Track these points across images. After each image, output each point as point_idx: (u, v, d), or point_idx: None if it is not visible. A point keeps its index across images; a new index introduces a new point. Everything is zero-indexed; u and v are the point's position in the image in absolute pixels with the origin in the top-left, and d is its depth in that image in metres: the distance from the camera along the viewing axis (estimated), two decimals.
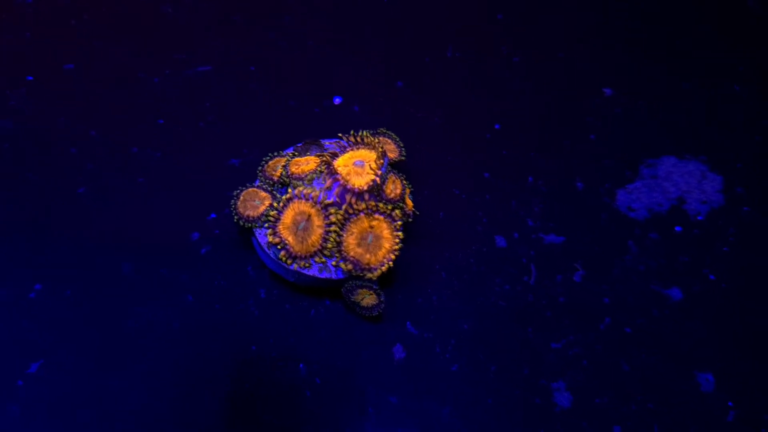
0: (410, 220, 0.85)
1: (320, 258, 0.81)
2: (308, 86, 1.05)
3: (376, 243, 0.80)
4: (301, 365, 0.81)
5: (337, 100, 1.03)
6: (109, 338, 0.82)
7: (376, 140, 0.82)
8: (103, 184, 0.93)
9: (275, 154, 0.90)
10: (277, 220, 0.81)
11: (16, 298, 0.84)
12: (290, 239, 0.80)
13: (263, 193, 0.85)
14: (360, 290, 0.81)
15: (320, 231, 0.80)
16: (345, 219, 0.80)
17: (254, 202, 0.84)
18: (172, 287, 0.86)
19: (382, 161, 0.80)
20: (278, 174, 0.86)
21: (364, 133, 0.85)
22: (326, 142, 0.91)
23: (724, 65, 1.08)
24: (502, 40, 1.10)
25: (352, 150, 0.84)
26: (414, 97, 1.04)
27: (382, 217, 0.81)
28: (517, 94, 1.05)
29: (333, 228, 0.80)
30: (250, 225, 0.83)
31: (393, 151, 0.91)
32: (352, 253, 0.80)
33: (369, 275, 0.80)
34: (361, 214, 0.80)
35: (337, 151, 0.84)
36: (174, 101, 1.02)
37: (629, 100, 1.04)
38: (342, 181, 0.79)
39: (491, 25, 1.12)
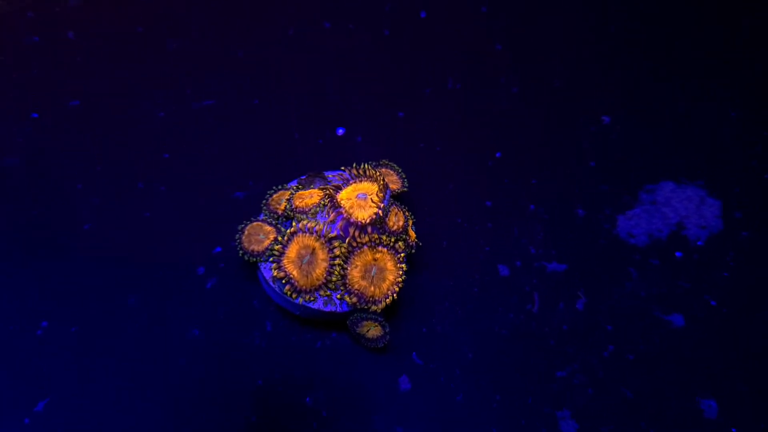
0: (413, 251, 0.85)
1: (325, 291, 0.80)
2: (312, 118, 1.04)
3: (380, 275, 0.80)
4: (307, 398, 0.81)
5: (341, 132, 1.03)
6: (116, 374, 0.81)
7: (378, 173, 0.82)
8: (109, 220, 0.93)
9: (279, 187, 0.90)
10: (282, 254, 0.80)
11: (23, 335, 0.83)
12: (295, 273, 0.80)
13: (268, 227, 0.84)
14: (365, 322, 0.81)
15: (325, 264, 0.80)
16: (349, 252, 0.79)
17: (259, 236, 0.83)
18: (178, 321, 0.85)
19: (383, 194, 0.80)
20: (282, 207, 0.86)
21: (366, 165, 0.84)
22: (329, 175, 0.90)
23: (721, 91, 1.08)
24: (501, 70, 1.10)
25: (354, 183, 0.83)
26: (415, 128, 1.04)
27: (385, 250, 0.80)
28: (516, 123, 1.04)
29: (337, 261, 0.79)
30: (255, 259, 0.82)
31: (395, 183, 0.91)
32: (356, 286, 0.79)
33: (374, 307, 0.80)
34: (365, 247, 0.80)
35: (340, 184, 0.84)
36: (179, 135, 1.01)
37: (627, 126, 1.04)
38: (345, 215, 0.79)
39: (490, 57, 1.11)
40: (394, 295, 0.80)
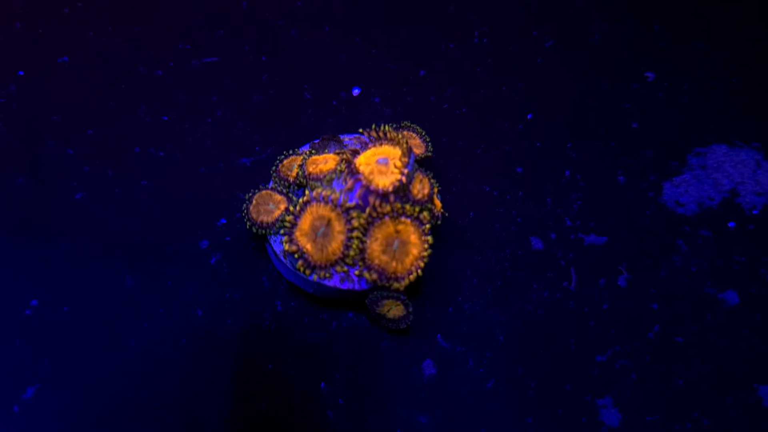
0: (439, 222, 0.81)
1: (342, 267, 0.77)
2: (325, 77, 1.01)
3: (403, 249, 0.76)
4: (322, 384, 0.78)
5: (356, 92, 1.00)
6: (112, 358, 0.79)
7: (400, 135, 0.78)
8: (102, 189, 0.91)
9: (290, 152, 0.87)
10: (294, 225, 0.77)
11: (10, 316, 0.81)
12: (308, 247, 0.76)
13: (278, 196, 0.81)
14: (386, 301, 0.77)
15: (341, 237, 0.76)
16: (368, 223, 0.75)
17: (268, 206, 0.80)
18: (179, 301, 0.83)
19: (407, 158, 0.75)
20: (294, 174, 0.82)
21: (387, 127, 0.80)
22: (346, 138, 0.87)
23: None
24: (532, 23, 1.06)
25: (374, 146, 0.79)
26: (439, 87, 1.00)
27: (408, 221, 0.76)
28: (550, 81, 1.01)
29: (355, 234, 0.75)
30: (264, 231, 0.80)
31: (419, 147, 0.87)
32: (376, 261, 0.75)
33: (396, 285, 0.76)
34: (386, 218, 0.75)
35: (358, 148, 0.80)
36: (179, 96, 0.99)
37: (673, 84, 1.00)
38: (364, 182, 0.75)
39: (521, 7, 1.08)
40: (419, 271, 0.76)
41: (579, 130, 0.96)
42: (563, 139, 0.96)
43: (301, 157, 0.84)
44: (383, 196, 0.74)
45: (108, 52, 1.02)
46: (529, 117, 0.98)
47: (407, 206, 0.75)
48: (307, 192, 0.78)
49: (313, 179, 0.79)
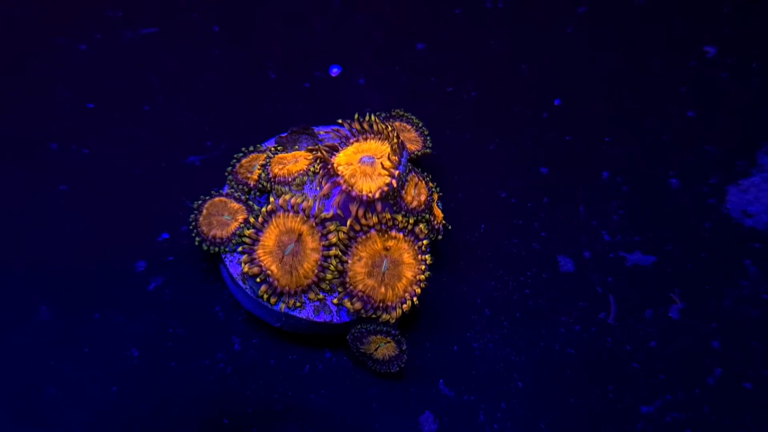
0: (440, 237, 0.84)
1: (316, 294, 0.79)
2: (295, 51, 1.03)
3: (394, 271, 0.78)
4: None
5: (335, 71, 1.02)
6: (23, 409, 0.80)
7: (390, 127, 0.80)
8: (9, 195, 0.92)
9: (250, 149, 0.89)
10: (255, 241, 0.79)
11: None
12: (274, 268, 0.78)
13: (235, 204, 0.83)
14: (373, 337, 0.80)
15: (315, 256, 0.78)
16: (350, 239, 0.78)
17: (222, 216, 0.83)
18: (109, 338, 0.84)
19: (399, 157, 0.78)
20: (255, 177, 0.85)
21: (373, 117, 0.83)
22: (321, 131, 0.90)
23: None
24: None
25: (357, 141, 0.82)
26: (441, 65, 1.03)
27: (401, 235, 0.79)
28: (584, 58, 1.04)
29: (333, 252, 0.78)
30: (217, 249, 0.82)
31: (414, 142, 0.90)
32: (360, 287, 0.78)
33: (385, 316, 0.78)
34: (372, 232, 0.78)
35: (336, 144, 0.82)
36: (108, 77, 1.00)
37: (740, 60, 1.02)
38: (344, 186, 0.78)
39: None
40: (415, 298, 0.78)
41: (620, 120, 0.99)
42: (600, 131, 0.98)
43: (265, 155, 0.86)
44: (368, 204, 0.78)
45: (14, 19, 1.03)
46: (556, 103, 1.01)
47: (399, 217, 0.79)
48: (271, 199, 0.80)
49: (279, 183, 0.82)
